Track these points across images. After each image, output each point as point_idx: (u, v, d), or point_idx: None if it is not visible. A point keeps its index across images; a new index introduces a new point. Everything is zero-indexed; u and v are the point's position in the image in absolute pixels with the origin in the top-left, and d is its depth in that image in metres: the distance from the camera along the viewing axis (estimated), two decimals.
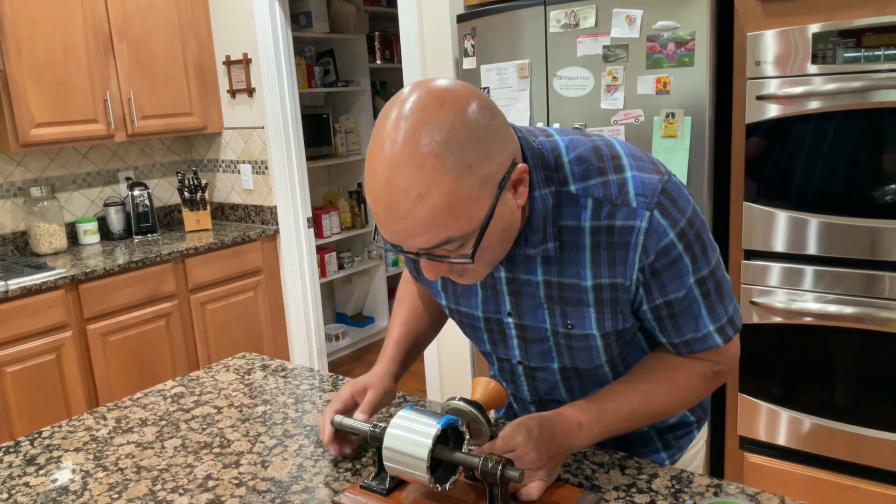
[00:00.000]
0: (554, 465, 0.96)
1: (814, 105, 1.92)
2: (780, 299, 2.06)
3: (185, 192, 3.50)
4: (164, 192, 3.75)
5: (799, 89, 1.93)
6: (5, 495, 1.09)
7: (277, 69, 3.35)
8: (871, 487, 2.00)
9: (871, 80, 1.82)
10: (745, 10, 2.02)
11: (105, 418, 1.34)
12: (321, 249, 4.15)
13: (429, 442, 0.91)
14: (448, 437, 0.96)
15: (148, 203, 3.43)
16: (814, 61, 1.90)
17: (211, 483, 1.09)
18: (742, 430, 2.22)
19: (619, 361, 1.07)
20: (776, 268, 2.06)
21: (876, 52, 1.81)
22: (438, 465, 0.95)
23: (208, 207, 3.54)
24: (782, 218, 2.03)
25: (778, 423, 2.14)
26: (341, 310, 4.80)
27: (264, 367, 1.56)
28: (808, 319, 2.03)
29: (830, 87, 1.88)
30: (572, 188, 0.92)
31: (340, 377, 1.47)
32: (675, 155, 2.12)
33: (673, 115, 2.11)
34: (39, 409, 2.66)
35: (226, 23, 3.48)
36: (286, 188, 3.48)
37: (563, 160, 0.93)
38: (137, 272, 2.96)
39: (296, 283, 3.56)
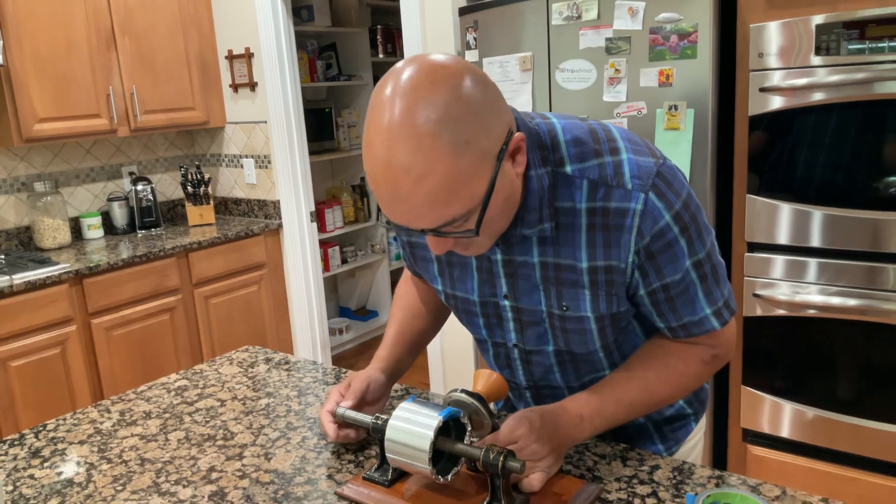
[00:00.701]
0: (556, 456, 0.96)
1: (817, 97, 1.91)
2: (783, 292, 2.06)
3: (189, 187, 3.50)
4: (168, 186, 3.76)
5: (802, 81, 1.92)
6: (10, 487, 1.09)
7: (280, 63, 3.35)
8: (874, 479, 2.00)
9: (875, 72, 1.81)
10: (748, 1, 2.01)
11: (109, 411, 1.35)
12: (324, 244, 4.16)
13: (430, 433, 0.91)
14: (450, 429, 0.96)
15: (151, 198, 3.44)
16: (817, 53, 1.89)
17: (214, 475, 1.09)
18: (745, 423, 2.22)
19: (614, 348, 1.07)
20: (779, 260, 2.05)
21: (880, 44, 1.80)
22: (440, 456, 0.96)
23: (211, 202, 3.55)
24: (785, 210, 2.02)
25: (781, 416, 2.14)
26: (345, 304, 4.81)
27: (267, 361, 1.56)
28: (811, 312, 2.03)
29: (834, 78, 1.87)
30: (568, 169, 0.93)
31: (343, 370, 1.48)
32: (678, 147, 2.12)
33: (676, 107, 2.11)
34: (44, 403, 2.67)
35: (228, 17, 3.48)
36: (289, 182, 3.48)
37: (559, 141, 0.94)
38: (141, 267, 2.97)
39: (299, 277, 3.57)
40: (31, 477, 1.12)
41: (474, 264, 1.05)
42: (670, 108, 2.12)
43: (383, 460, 1.01)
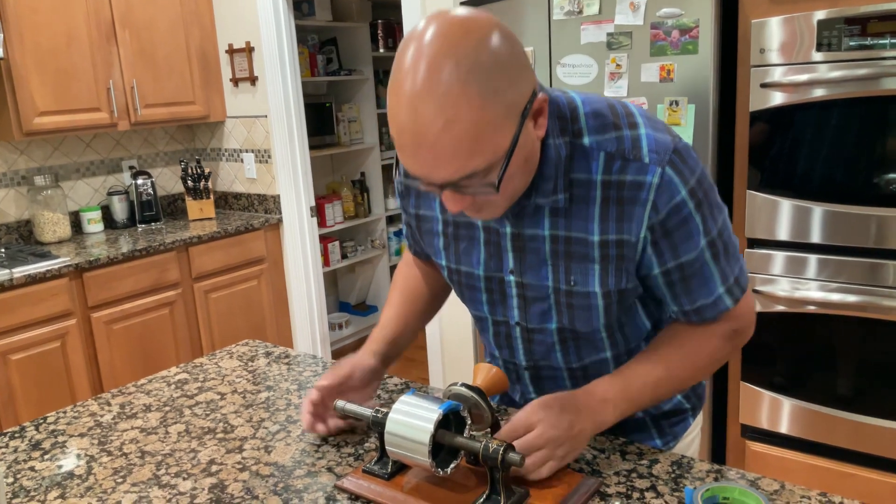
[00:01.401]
0: (574, 444, 0.94)
1: (818, 93, 1.91)
2: (783, 288, 2.06)
3: (189, 181, 3.50)
4: (168, 180, 3.76)
5: (804, 77, 1.92)
6: (11, 479, 1.10)
7: (280, 57, 3.35)
8: (873, 475, 2.01)
9: (877, 68, 1.81)
10: None
11: (109, 404, 1.35)
12: (324, 238, 4.16)
13: (430, 427, 0.91)
14: (450, 422, 0.96)
15: (151, 192, 3.44)
16: (819, 49, 1.89)
17: (214, 468, 1.09)
18: (744, 419, 2.23)
19: (617, 329, 1.06)
20: (779, 256, 2.05)
21: (881, 40, 1.80)
22: (440, 449, 0.96)
23: (211, 196, 3.55)
24: (786, 206, 2.02)
25: (780, 412, 2.15)
26: (344, 299, 4.81)
27: (267, 355, 1.57)
28: (811, 308, 2.03)
29: (835, 74, 1.87)
30: (585, 141, 0.93)
31: None
32: None
33: (677, 102, 2.11)
34: (44, 397, 2.68)
35: (228, 11, 3.47)
36: (289, 177, 3.48)
37: (578, 113, 0.94)
38: (141, 260, 2.97)
39: (299, 271, 3.57)
40: (32, 469, 1.13)
41: (482, 238, 1.05)
42: (671, 104, 2.11)
43: (383, 453, 1.01)
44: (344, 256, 4.40)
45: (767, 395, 2.16)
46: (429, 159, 0.80)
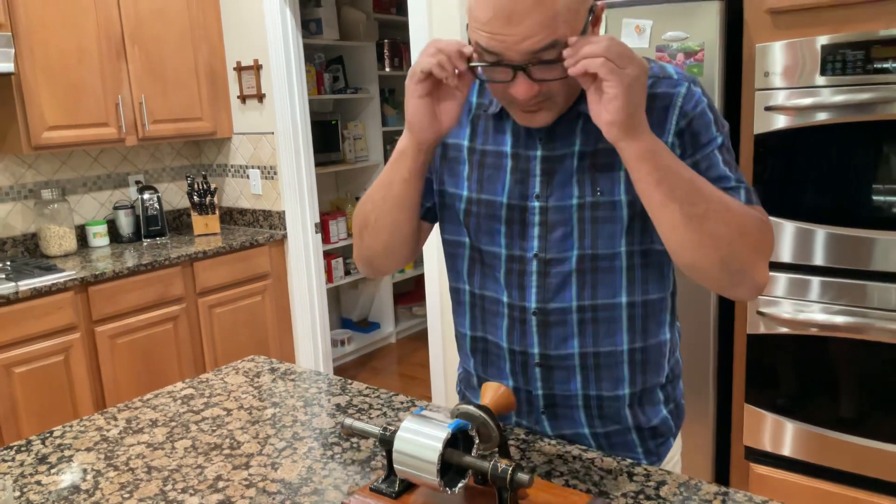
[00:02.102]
0: (634, 78, 0.89)
1: (822, 117, 1.93)
2: (786, 310, 2.07)
3: (195, 197, 3.52)
4: (174, 196, 3.78)
5: (807, 101, 1.94)
6: (18, 493, 1.10)
7: (288, 75, 3.38)
8: (877, 500, 2.00)
9: (880, 93, 1.83)
10: (755, 21, 2.03)
11: (116, 419, 1.36)
12: (328, 255, 4.17)
13: (439, 445, 0.91)
14: (458, 441, 0.97)
15: (157, 206, 3.45)
16: (822, 73, 1.91)
17: (221, 484, 1.09)
18: (747, 441, 2.22)
19: (637, 264, 1.07)
20: (782, 278, 2.06)
21: (885, 65, 1.82)
22: (448, 468, 0.96)
23: (217, 212, 3.57)
24: (789, 229, 2.03)
25: (783, 434, 2.14)
26: (347, 315, 4.81)
27: (273, 371, 1.57)
28: (814, 330, 2.03)
29: (838, 98, 1.89)
30: None
31: (349, 381, 1.48)
32: None
33: None
34: (47, 410, 2.68)
35: (237, 29, 3.51)
36: (294, 193, 3.50)
37: None
38: (146, 275, 2.98)
39: (303, 287, 3.58)
40: (38, 483, 1.13)
41: (508, 166, 1.08)
42: None
43: (391, 471, 1.01)
44: (347, 273, 4.40)
45: (771, 416, 2.15)
46: (520, 27, 0.88)
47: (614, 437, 1.15)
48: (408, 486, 1.01)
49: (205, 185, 3.53)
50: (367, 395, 1.41)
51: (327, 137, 4.21)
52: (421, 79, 0.98)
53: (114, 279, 2.87)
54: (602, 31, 2.19)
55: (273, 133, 3.51)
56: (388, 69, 4.56)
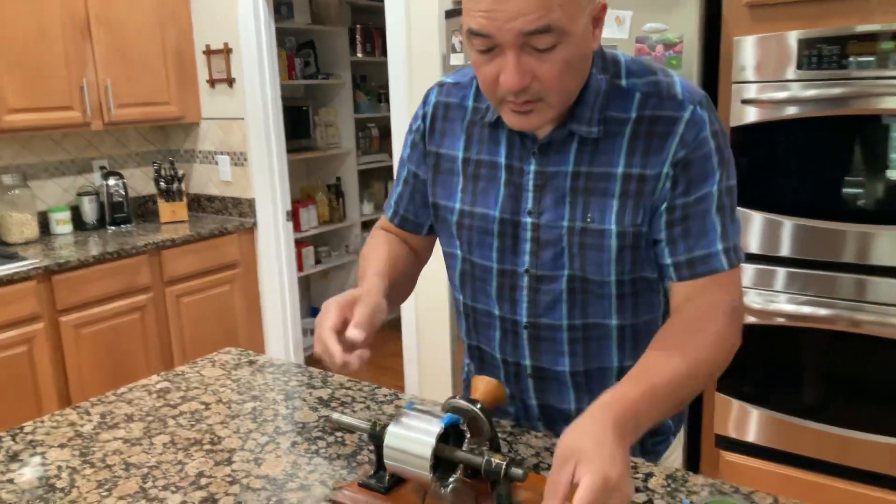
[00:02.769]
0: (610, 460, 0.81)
1: (795, 110, 1.95)
2: (753, 300, 2.10)
3: (161, 183, 3.44)
4: (139, 182, 3.68)
5: (781, 94, 1.96)
6: None
7: (259, 60, 3.31)
8: (845, 486, 2.05)
9: (853, 88, 1.86)
10: (733, 14, 2.04)
11: (89, 413, 1.31)
12: (298, 243, 4.11)
13: (432, 440, 0.90)
14: (449, 436, 0.96)
15: (123, 193, 3.36)
16: (798, 67, 1.93)
17: (204, 480, 1.07)
18: (718, 429, 2.26)
19: (628, 293, 1.05)
20: (750, 269, 2.09)
21: (860, 59, 1.84)
22: (439, 463, 0.95)
23: (185, 199, 3.49)
24: (757, 219, 2.06)
25: (752, 422, 2.18)
26: (317, 305, 4.76)
27: (251, 363, 1.54)
28: (780, 320, 2.07)
29: (811, 93, 1.91)
30: (623, 82, 1.01)
31: (330, 373, 1.46)
32: None
33: None
34: (9, 403, 2.59)
35: (207, 11, 3.42)
36: (265, 180, 3.44)
37: (619, 59, 1.03)
38: (112, 264, 2.90)
39: (273, 276, 3.52)
40: (11, 482, 1.09)
41: (503, 178, 1.07)
42: None
43: (380, 466, 1.00)
44: (318, 262, 4.36)
45: (740, 405, 2.19)
46: (514, 2, 0.85)
47: None
48: (398, 481, 1.00)
49: (172, 172, 3.45)
50: (349, 388, 1.39)
51: (298, 124, 4.14)
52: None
53: (78, 268, 2.79)
54: None
55: (243, 119, 3.44)
56: (360, 55, 4.50)
